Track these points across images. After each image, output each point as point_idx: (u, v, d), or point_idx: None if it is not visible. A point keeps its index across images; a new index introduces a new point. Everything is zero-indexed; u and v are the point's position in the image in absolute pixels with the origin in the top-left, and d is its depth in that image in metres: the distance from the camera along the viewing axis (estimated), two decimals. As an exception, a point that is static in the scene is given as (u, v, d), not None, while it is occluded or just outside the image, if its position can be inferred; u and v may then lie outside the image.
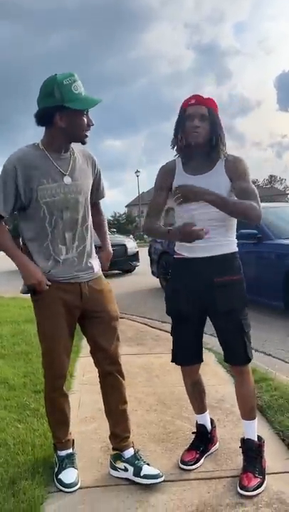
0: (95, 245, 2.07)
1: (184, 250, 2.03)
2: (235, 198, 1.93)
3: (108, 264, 2.23)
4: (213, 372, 3.30)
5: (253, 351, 2.10)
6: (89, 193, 2.00)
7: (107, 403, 2.09)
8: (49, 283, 1.88)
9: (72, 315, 1.96)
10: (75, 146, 1.96)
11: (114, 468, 2.04)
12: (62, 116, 1.79)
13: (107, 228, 2.31)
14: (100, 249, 2.19)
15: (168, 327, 4.86)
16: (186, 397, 2.85)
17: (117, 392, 2.06)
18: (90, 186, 2.01)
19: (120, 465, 2.02)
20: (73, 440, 2.14)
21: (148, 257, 8.14)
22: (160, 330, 4.74)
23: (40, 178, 1.83)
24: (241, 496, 1.85)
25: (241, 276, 2.00)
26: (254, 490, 1.88)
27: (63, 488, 1.92)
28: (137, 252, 10.68)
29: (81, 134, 1.86)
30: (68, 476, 1.96)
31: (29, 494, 1.86)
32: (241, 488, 1.89)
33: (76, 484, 1.94)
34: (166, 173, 2.05)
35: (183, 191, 1.91)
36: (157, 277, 7.84)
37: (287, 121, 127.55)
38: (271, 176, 71.86)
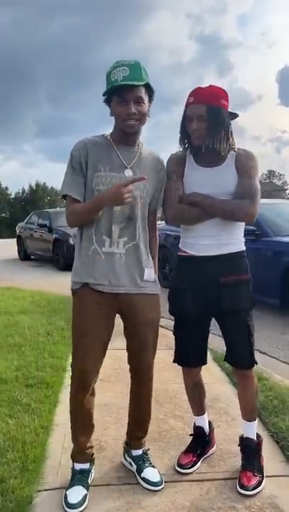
0: None
1: (189, 248, 1.97)
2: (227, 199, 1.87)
3: None
4: (208, 370, 3.26)
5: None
6: (146, 193, 1.89)
7: (131, 403, 2.07)
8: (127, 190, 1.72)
9: (104, 313, 1.86)
10: (145, 145, 1.93)
11: (125, 458, 2.09)
12: (111, 104, 1.81)
13: (156, 254, 2.04)
14: None
15: (163, 322, 4.80)
16: (179, 395, 2.84)
17: (140, 398, 2.02)
18: (151, 188, 1.91)
19: (127, 459, 2.07)
20: (93, 455, 2.00)
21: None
22: (155, 325, 4.70)
23: (98, 165, 1.82)
24: (234, 499, 1.83)
25: (249, 276, 1.95)
26: (254, 489, 1.86)
27: (65, 507, 1.78)
28: None
29: (119, 122, 1.81)
30: (74, 494, 1.82)
31: (18, 493, 1.83)
32: (241, 488, 1.87)
33: (79, 506, 1.78)
34: (178, 161, 1.97)
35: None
36: (153, 271, 7.80)
37: (287, 116, 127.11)
38: (270, 171, 71.71)
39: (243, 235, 2.00)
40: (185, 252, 1.99)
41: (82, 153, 1.82)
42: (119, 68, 1.73)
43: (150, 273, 1.90)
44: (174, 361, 2.10)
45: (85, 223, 1.86)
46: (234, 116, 1.95)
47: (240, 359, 1.97)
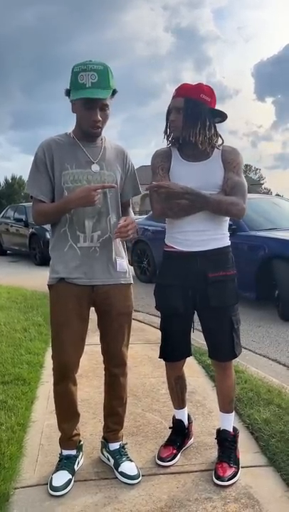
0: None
1: (177, 243, 1.97)
2: (218, 194, 1.89)
3: (129, 230, 1.83)
4: (185, 363, 3.29)
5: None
6: (116, 185, 1.91)
7: (105, 394, 2.08)
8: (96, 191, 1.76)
9: (81, 305, 1.89)
10: (108, 138, 1.94)
11: (102, 453, 2.09)
12: (73, 103, 1.81)
13: (132, 213, 2.06)
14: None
15: (141, 316, 4.85)
16: (156, 389, 2.86)
17: (115, 391, 2.04)
18: (118, 180, 1.93)
19: (105, 454, 2.06)
20: (80, 441, 2.06)
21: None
22: (133, 319, 4.69)
23: (64, 163, 1.84)
24: (210, 490, 1.86)
25: (234, 272, 1.98)
26: (229, 480, 1.90)
27: (49, 490, 1.85)
28: None
29: (85, 125, 1.82)
30: (58, 478, 1.88)
31: (-6, 491, 1.81)
32: (217, 479, 1.90)
33: (63, 489, 1.85)
34: (164, 156, 1.98)
35: (165, 191, 1.83)
36: (131, 265, 7.80)
37: (263, 111, 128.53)
38: (246, 166, 72.27)
39: (227, 229, 2.01)
40: (172, 247, 1.99)
41: (46, 153, 1.84)
42: (89, 73, 1.73)
43: (122, 263, 1.94)
44: (160, 357, 2.11)
45: (52, 222, 1.91)
46: (221, 115, 1.95)
47: (222, 353, 2.00)
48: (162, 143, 2.02)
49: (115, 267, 1.91)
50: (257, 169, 67.53)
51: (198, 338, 2.36)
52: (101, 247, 1.88)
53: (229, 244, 2.00)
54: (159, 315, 2.14)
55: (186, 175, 1.91)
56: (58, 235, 1.89)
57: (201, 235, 1.91)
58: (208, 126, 1.88)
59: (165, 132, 1.99)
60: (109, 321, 1.95)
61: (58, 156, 1.83)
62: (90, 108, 1.78)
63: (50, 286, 1.93)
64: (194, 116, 1.87)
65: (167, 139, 1.99)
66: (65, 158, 1.83)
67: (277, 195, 26.37)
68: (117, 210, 1.94)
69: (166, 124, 1.97)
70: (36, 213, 1.89)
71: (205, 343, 2.09)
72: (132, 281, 2.01)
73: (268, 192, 52.51)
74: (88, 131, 1.84)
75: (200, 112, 1.87)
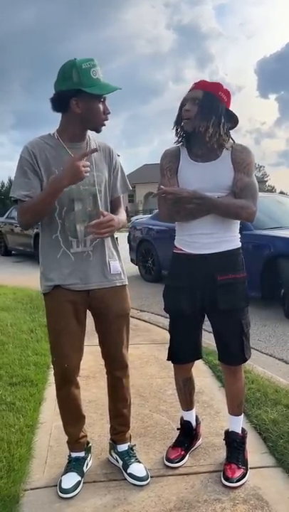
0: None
1: (185, 246, 1.96)
2: (227, 197, 1.87)
3: (104, 228, 1.76)
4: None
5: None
6: (104, 185, 1.91)
7: (109, 397, 2.09)
8: (87, 164, 1.69)
9: (78, 309, 1.89)
10: (92, 137, 1.91)
11: (111, 455, 2.10)
12: (78, 101, 1.75)
13: (121, 218, 1.92)
14: None
15: (147, 316, 4.86)
16: (163, 389, 2.87)
17: (119, 393, 2.04)
18: (107, 178, 1.92)
19: (113, 455, 2.08)
20: (88, 443, 2.08)
21: (127, 244, 8.08)
22: (138, 319, 4.71)
23: (51, 168, 1.79)
24: (219, 491, 1.87)
25: (245, 275, 1.95)
26: (238, 481, 1.90)
27: (58, 492, 1.87)
28: (116, 238, 10.58)
29: (97, 121, 1.81)
30: (67, 480, 1.90)
31: (4, 493, 1.83)
32: (226, 480, 1.90)
33: (72, 491, 1.86)
34: (172, 156, 1.96)
35: (172, 197, 1.83)
36: (136, 265, 7.81)
37: (266, 108, 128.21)
38: (250, 163, 71.76)
39: (238, 230, 1.99)
40: (181, 249, 1.98)
41: (32, 157, 1.79)
42: (97, 68, 1.75)
43: (115, 265, 1.93)
44: (168, 359, 2.11)
45: (40, 217, 1.80)
46: (233, 120, 1.92)
47: (232, 356, 1.98)
48: (171, 140, 1.98)
49: (109, 269, 1.91)
50: (261, 166, 67.21)
51: (204, 338, 2.36)
52: (94, 250, 1.87)
53: (239, 246, 1.97)
54: (164, 314, 2.14)
55: (195, 176, 1.89)
56: (49, 242, 1.86)
57: (209, 238, 1.90)
58: (223, 123, 1.83)
59: (176, 123, 1.93)
60: (107, 325, 1.95)
61: (43, 161, 1.79)
62: (104, 101, 1.79)
63: (45, 294, 1.91)
64: (210, 109, 1.82)
65: (176, 132, 1.94)
66: (51, 163, 1.79)
67: (282, 192, 26.27)
68: (107, 211, 1.91)
69: (179, 114, 1.91)
70: (24, 210, 1.78)
71: (211, 342, 2.09)
72: (127, 282, 2.00)
73: (272, 190, 52.32)
74: (100, 126, 1.82)
75: (217, 106, 1.83)
